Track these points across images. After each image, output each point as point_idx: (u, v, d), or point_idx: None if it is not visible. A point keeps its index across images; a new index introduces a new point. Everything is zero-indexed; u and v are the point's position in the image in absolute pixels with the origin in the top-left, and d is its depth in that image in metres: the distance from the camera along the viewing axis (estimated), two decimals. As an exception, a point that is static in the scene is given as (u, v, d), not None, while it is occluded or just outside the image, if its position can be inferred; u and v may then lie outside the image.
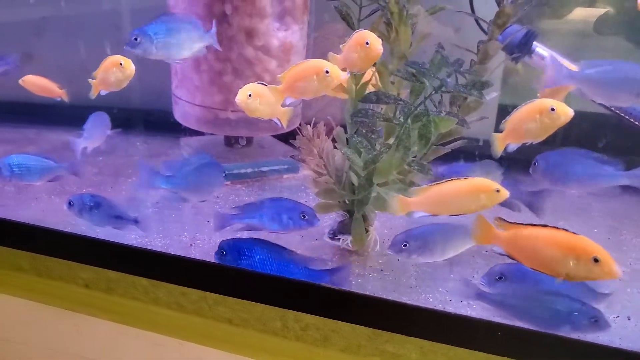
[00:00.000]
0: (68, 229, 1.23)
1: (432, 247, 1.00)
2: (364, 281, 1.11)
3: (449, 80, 0.87)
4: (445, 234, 1.00)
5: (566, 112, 0.83)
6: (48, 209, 1.36)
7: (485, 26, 1.16)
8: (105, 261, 1.10)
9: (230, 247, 0.99)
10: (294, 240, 1.23)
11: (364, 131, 1.01)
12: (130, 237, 1.22)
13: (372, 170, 0.99)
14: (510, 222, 0.83)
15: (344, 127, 1.15)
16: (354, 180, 1.09)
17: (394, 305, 0.94)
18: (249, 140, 1.62)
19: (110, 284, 1.12)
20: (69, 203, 1.18)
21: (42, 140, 1.84)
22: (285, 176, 1.58)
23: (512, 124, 0.87)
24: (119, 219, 1.18)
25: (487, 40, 1.03)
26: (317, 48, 1.56)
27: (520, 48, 1.35)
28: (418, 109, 0.91)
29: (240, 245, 0.99)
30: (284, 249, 1.01)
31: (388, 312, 0.94)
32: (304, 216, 1.04)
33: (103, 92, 1.17)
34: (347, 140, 1.17)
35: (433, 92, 0.89)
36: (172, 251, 1.17)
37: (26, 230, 1.16)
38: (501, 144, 0.88)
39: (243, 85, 1.42)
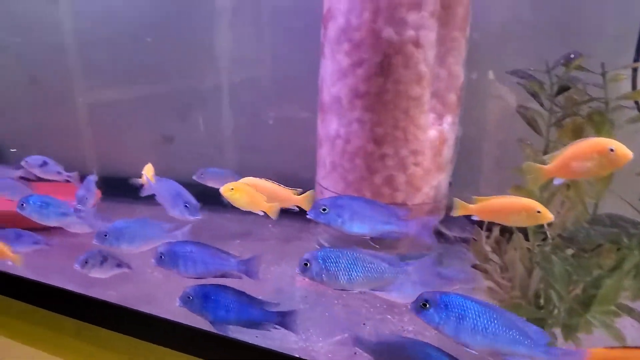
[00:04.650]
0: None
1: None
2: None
3: None
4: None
5: None
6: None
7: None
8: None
9: (196, 293, 1.08)
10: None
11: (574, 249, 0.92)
12: (290, 340, 1.17)
13: (593, 295, 0.89)
14: None
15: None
16: (555, 299, 0.99)
17: None
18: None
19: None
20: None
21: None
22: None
23: None
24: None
25: None
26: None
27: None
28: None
29: (207, 289, 1.08)
30: (244, 293, 1.09)
31: None
32: None
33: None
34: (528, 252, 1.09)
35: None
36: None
37: (191, 334, 1.13)
38: None
39: (396, 181, 1.40)
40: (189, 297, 1.09)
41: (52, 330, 1.33)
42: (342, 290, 0.98)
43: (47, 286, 1.33)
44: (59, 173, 1.62)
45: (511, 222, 0.97)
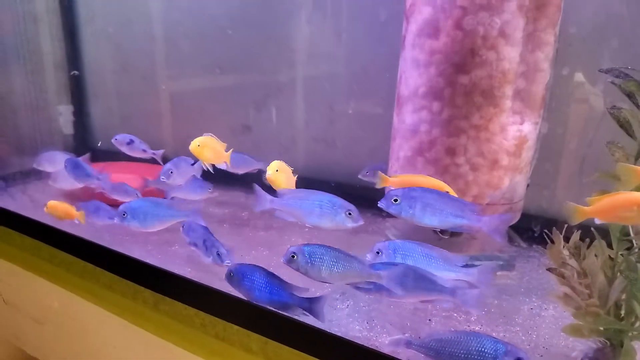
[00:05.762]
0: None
1: None
2: None
3: None
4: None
5: None
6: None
7: None
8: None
9: (236, 271, 1.16)
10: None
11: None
12: (355, 329, 1.18)
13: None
14: None
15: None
16: (638, 311, 0.94)
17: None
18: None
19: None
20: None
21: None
22: (498, 273, 1.46)
23: None
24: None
25: None
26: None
27: None
28: None
29: (244, 269, 1.15)
30: (277, 277, 1.15)
31: None
32: None
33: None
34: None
35: None
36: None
37: (258, 313, 1.17)
38: None
39: (471, 180, 1.37)
40: (230, 274, 1.16)
41: (134, 301, 1.43)
42: (322, 282, 1.07)
43: (129, 258, 1.43)
44: (144, 151, 1.74)
45: (624, 219, 0.86)
